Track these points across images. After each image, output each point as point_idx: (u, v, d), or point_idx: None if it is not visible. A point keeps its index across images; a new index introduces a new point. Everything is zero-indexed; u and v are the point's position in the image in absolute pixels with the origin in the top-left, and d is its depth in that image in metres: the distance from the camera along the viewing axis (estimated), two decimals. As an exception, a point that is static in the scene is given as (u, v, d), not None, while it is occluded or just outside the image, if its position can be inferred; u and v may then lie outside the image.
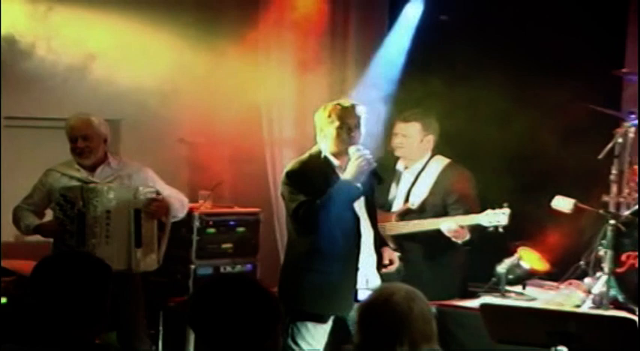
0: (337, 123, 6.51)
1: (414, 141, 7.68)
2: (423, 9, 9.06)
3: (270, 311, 3.76)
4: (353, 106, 6.59)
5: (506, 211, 7.27)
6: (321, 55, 9.15)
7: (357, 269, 6.59)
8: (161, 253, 7.28)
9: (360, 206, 6.66)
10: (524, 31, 8.73)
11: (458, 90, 8.69)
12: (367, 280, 6.65)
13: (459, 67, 8.97)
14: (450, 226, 7.23)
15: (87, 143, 7.25)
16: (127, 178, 7.38)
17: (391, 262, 6.84)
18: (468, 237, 7.33)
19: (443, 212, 7.50)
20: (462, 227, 7.29)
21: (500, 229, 7.30)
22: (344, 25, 9.29)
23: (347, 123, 6.52)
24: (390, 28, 9.31)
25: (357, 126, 6.57)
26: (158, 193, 7.26)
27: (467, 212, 7.40)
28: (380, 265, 6.78)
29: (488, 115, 8.30)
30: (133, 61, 8.07)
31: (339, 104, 6.62)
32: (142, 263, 7.20)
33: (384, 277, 6.69)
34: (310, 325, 6.56)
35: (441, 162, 7.73)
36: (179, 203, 7.48)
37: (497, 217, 7.26)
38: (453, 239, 7.26)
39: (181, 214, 7.58)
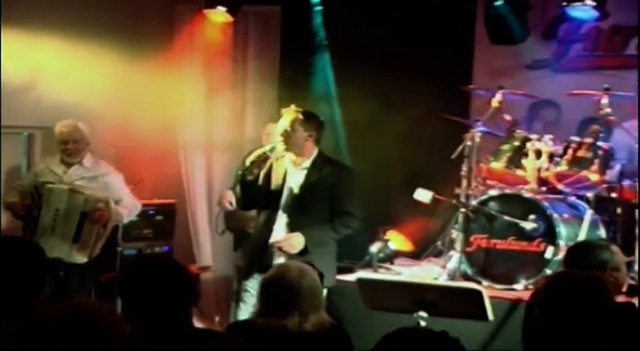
0: None
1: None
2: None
3: (184, 285, 3.77)
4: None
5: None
6: (225, 75, 9.18)
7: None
8: (94, 251, 7.30)
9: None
10: (393, 54, 8.82)
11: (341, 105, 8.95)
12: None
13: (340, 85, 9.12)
14: None
15: (76, 146, 7.34)
16: (94, 179, 7.43)
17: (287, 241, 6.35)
18: None
19: None
20: None
21: None
22: (244, 49, 9.31)
23: None
24: (282, 53, 9.46)
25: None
26: (107, 203, 7.28)
27: None
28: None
29: (365, 125, 8.46)
30: (72, 77, 8.12)
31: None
32: (73, 256, 7.23)
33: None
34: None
35: None
36: (128, 211, 7.54)
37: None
38: None
39: (127, 219, 7.68)
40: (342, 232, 6.44)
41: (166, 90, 8.56)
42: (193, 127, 9.20)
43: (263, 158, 6.46)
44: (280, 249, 6.33)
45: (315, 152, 6.45)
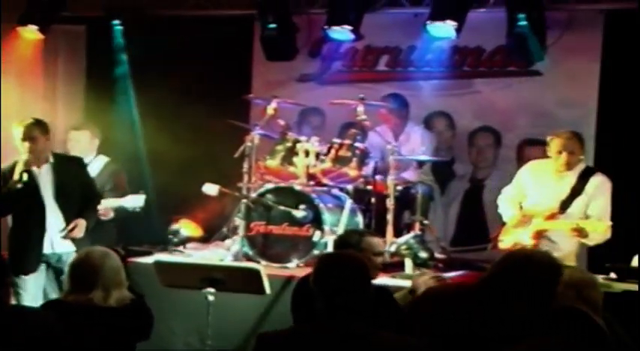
0: None
1: (85, 144, 7.44)
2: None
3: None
4: None
5: (142, 196, 7.11)
6: (38, 86, 8.93)
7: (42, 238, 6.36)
8: None
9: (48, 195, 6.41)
10: (185, 69, 8.83)
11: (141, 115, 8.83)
12: (53, 245, 6.39)
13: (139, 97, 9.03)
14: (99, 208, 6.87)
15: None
16: None
17: (74, 229, 6.35)
18: (111, 215, 7.12)
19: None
20: (108, 209, 7.07)
21: (138, 209, 7.11)
22: (54, 65, 9.09)
23: None
24: (88, 68, 9.27)
25: None
26: None
27: (119, 197, 7.19)
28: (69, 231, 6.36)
29: (162, 132, 8.42)
30: None
31: None
32: None
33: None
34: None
35: (102, 160, 7.48)
36: None
37: (135, 202, 7.14)
38: (102, 218, 6.95)
39: None
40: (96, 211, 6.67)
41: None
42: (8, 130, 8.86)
43: (12, 167, 6.33)
44: (71, 236, 6.32)
45: (50, 153, 6.46)
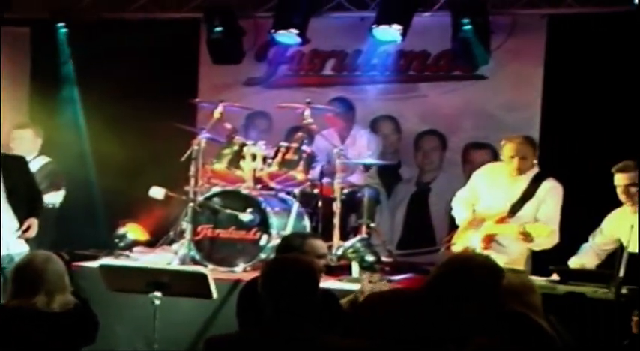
0: None
1: (28, 143, 7.48)
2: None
3: None
4: None
5: (61, 193, 7.20)
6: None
7: None
8: None
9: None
10: (133, 73, 8.78)
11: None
12: (8, 246, 6.31)
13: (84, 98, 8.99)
14: None
15: None
16: None
17: (28, 229, 6.38)
18: None
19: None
20: None
21: (55, 206, 7.29)
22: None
23: None
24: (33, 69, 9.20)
25: None
26: None
27: None
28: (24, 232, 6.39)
29: (109, 135, 8.40)
30: None
31: None
32: None
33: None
34: None
35: (42, 160, 7.53)
36: None
37: (53, 198, 7.17)
38: None
39: None
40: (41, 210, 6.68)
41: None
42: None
43: None
44: (25, 236, 6.34)
45: None
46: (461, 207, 6.82)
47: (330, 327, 3.91)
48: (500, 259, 6.13)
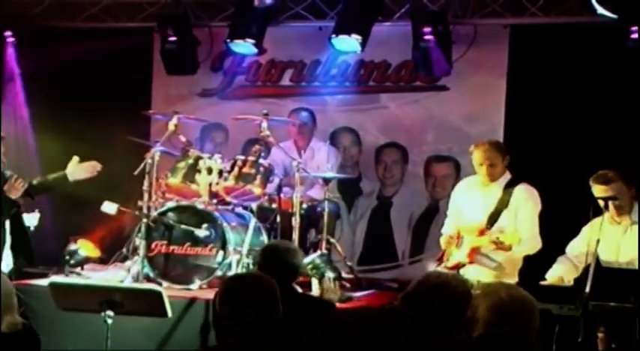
0: None
1: None
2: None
3: None
4: None
5: (37, 215, 7.19)
6: None
7: None
8: None
9: None
10: (85, 85, 8.75)
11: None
12: None
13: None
14: None
15: None
16: None
17: None
18: None
19: None
20: None
21: (32, 228, 7.29)
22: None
23: None
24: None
25: None
26: None
27: None
28: None
29: (59, 149, 8.25)
30: None
31: None
32: None
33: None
34: None
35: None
36: None
37: (29, 221, 7.10)
38: None
39: None
40: None
41: None
42: None
43: None
44: None
45: None
46: (448, 225, 6.72)
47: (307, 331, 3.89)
48: (489, 273, 6.19)
